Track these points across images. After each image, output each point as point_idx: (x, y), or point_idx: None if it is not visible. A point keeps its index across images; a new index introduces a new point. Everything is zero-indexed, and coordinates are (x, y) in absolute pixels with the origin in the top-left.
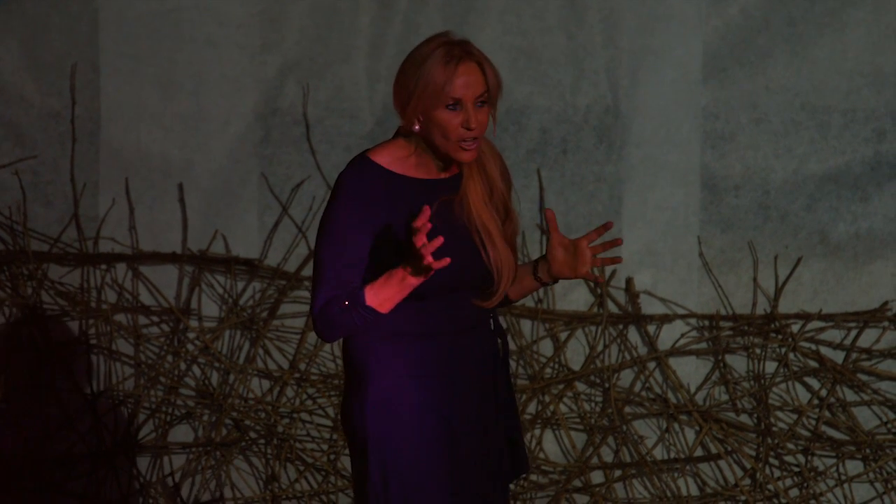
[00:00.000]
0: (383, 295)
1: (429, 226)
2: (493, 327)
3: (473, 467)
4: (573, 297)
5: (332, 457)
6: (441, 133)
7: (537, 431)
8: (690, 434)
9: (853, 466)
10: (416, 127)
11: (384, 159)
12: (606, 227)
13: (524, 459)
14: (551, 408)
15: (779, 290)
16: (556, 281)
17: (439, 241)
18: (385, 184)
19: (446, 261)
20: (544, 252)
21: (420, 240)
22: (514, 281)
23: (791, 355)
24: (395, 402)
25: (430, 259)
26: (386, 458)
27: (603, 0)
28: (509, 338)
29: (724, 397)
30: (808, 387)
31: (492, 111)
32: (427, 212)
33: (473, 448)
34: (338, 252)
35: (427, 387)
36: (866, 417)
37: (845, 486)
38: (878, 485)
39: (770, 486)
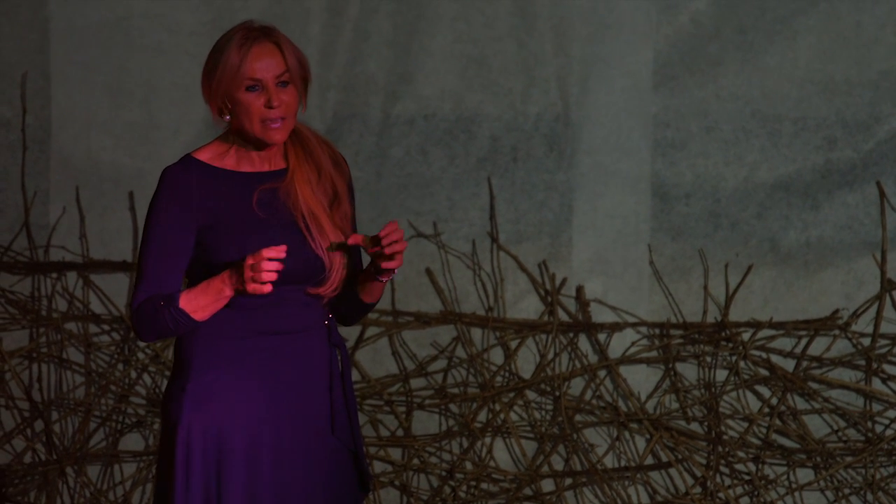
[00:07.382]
0: (199, 302)
1: (277, 262)
2: (329, 336)
3: (294, 472)
4: (523, 305)
5: None
6: (246, 116)
7: (488, 440)
8: (641, 442)
9: (804, 475)
10: (227, 117)
11: (205, 156)
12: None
13: (365, 477)
14: (502, 416)
15: (729, 298)
16: (384, 271)
17: (278, 256)
18: (205, 178)
19: (267, 288)
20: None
21: (255, 259)
22: (347, 273)
23: (741, 363)
24: (211, 397)
25: (254, 286)
26: (192, 445)
27: (553, 8)
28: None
29: (675, 405)
30: (758, 395)
31: (300, 91)
32: (280, 250)
33: (297, 453)
34: (157, 249)
35: (244, 387)
36: (817, 426)
37: (796, 494)
38: (828, 493)
39: (721, 495)
